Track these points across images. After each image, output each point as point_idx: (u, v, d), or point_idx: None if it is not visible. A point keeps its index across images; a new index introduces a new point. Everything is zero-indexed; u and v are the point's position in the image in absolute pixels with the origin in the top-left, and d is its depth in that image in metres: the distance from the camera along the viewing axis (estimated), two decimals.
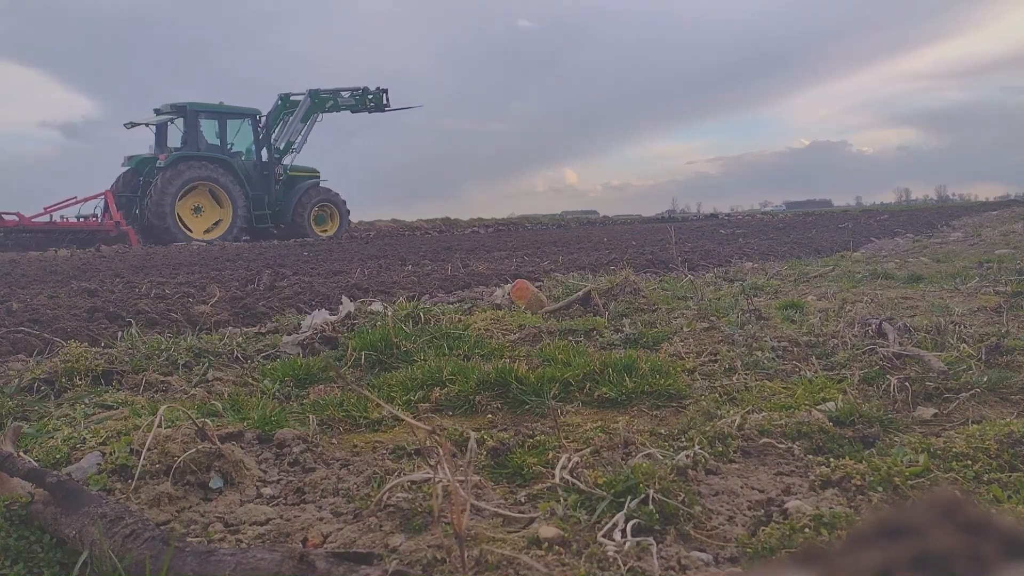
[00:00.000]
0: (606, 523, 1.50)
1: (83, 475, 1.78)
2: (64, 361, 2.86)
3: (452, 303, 4.98)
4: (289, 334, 3.68)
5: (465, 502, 1.55)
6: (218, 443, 1.86)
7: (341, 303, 4.08)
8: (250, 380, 2.92)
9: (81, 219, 16.84)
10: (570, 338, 3.51)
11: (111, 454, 1.86)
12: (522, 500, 1.70)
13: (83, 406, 2.44)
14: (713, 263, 8.22)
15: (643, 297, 4.51)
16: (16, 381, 2.74)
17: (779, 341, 3.17)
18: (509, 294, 4.69)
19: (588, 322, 3.80)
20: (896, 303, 4.37)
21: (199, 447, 1.82)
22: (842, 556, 0.40)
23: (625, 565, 1.35)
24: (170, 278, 8.02)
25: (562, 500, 1.61)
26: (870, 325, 3.23)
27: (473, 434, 2.04)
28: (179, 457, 1.78)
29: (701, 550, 1.46)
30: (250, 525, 1.62)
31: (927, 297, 4.63)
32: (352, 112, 20.29)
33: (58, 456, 1.93)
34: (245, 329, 4.15)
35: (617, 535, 1.45)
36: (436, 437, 1.47)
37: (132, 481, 1.74)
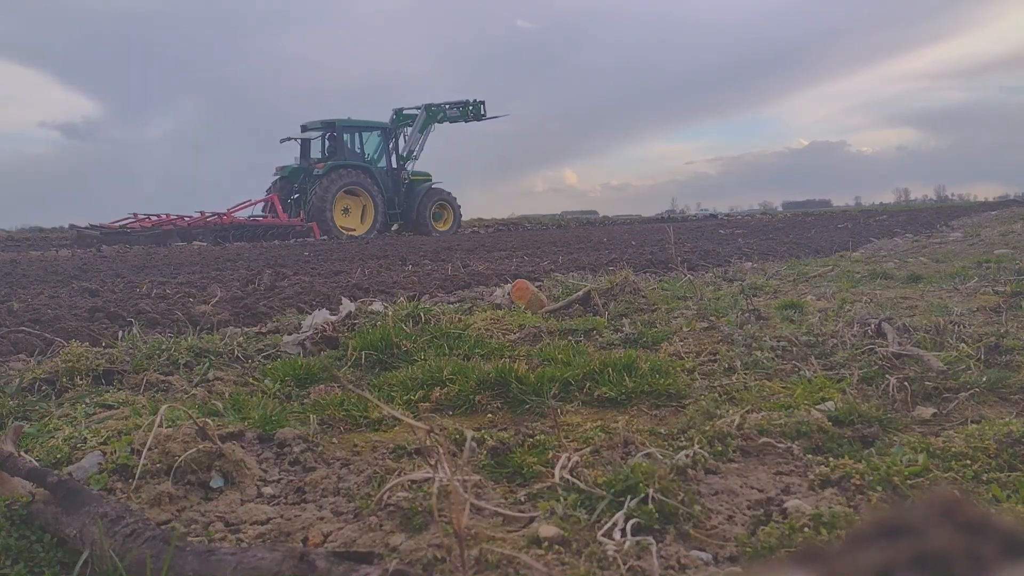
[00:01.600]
0: (606, 522, 1.50)
1: (84, 475, 1.78)
2: (65, 361, 2.86)
3: (452, 303, 4.99)
4: (290, 334, 3.68)
5: (465, 501, 1.55)
6: (219, 443, 1.86)
7: (341, 303, 4.08)
8: (251, 380, 2.93)
9: (255, 217, 19.64)
10: (570, 338, 3.52)
11: (112, 454, 1.86)
12: (522, 499, 1.71)
13: (84, 406, 2.44)
14: (712, 263, 8.22)
15: (643, 297, 4.52)
16: (17, 381, 2.75)
17: (778, 341, 3.17)
18: (509, 294, 4.69)
19: (588, 322, 3.81)
20: (895, 303, 4.38)
21: (200, 446, 1.82)
22: (841, 556, 0.40)
23: (625, 564, 1.35)
24: (171, 278, 8.03)
25: (562, 499, 1.61)
26: (869, 325, 3.23)
27: (472, 433, 2.05)
28: (180, 457, 1.78)
29: (701, 549, 1.46)
30: (251, 524, 1.62)
31: (926, 297, 4.63)
32: (451, 123, 23.22)
33: (59, 456, 1.93)
34: (246, 329, 4.15)
35: (617, 534, 1.45)
36: (435, 436, 1.47)
37: (133, 480, 1.74)
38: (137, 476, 1.75)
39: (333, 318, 3.75)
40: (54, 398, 2.64)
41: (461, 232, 22.86)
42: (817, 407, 2.26)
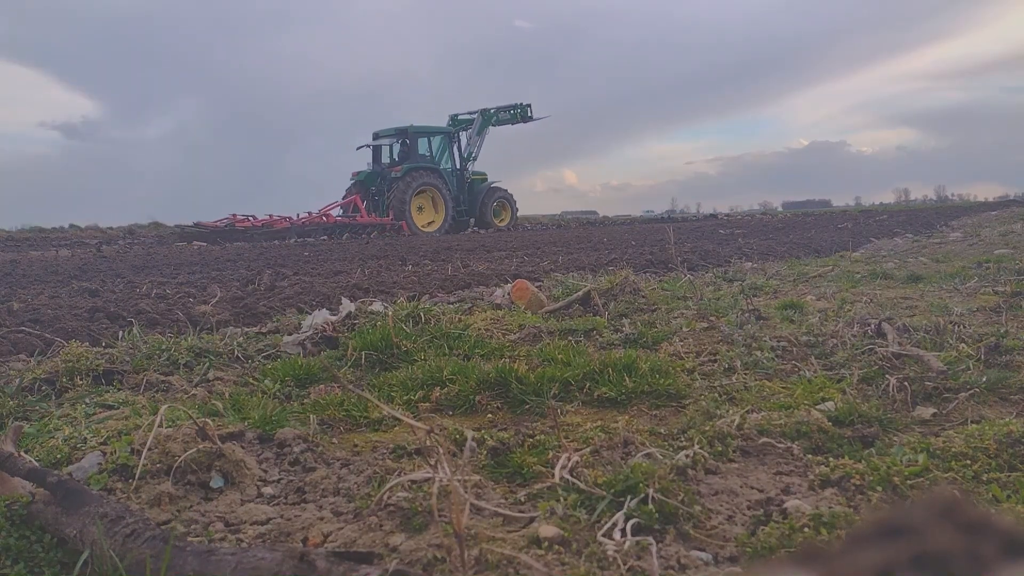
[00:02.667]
0: (606, 522, 1.50)
1: (84, 475, 1.78)
2: (65, 361, 2.86)
3: (452, 303, 4.98)
4: (290, 334, 3.68)
5: (465, 501, 1.55)
6: (219, 443, 1.86)
7: (341, 303, 4.08)
8: (251, 380, 2.93)
9: (345, 217, 21.19)
10: (570, 338, 3.52)
11: (112, 454, 1.86)
12: (522, 499, 1.71)
13: (84, 406, 2.44)
14: (712, 263, 8.22)
15: (643, 297, 4.52)
16: (17, 381, 2.75)
17: (778, 341, 3.17)
18: (509, 294, 4.69)
19: (588, 322, 3.81)
20: (895, 303, 4.38)
21: (200, 447, 1.82)
22: (841, 556, 0.40)
23: (625, 564, 1.35)
24: (171, 278, 8.03)
25: (562, 499, 1.61)
26: (869, 325, 3.23)
27: (472, 433, 2.05)
28: (180, 457, 1.78)
29: (701, 549, 1.46)
30: (251, 524, 1.62)
31: (926, 297, 4.63)
32: (503, 125, 25.34)
33: (59, 456, 1.93)
34: (246, 329, 4.15)
35: (617, 534, 1.45)
36: (435, 436, 1.47)
37: (133, 481, 1.74)
38: (137, 476, 1.75)
39: (333, 318, 3.75)
40: (54, 398, 2.64)
41: (460, 232, 23.07)
42: (817, 407, 2.26)
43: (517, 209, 25.53)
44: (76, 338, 3.57)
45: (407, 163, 21.66)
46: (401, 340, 3.28)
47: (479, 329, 3.65)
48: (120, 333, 3.81)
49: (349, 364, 3.13)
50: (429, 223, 21.87)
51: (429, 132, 23.29)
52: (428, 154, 22.85)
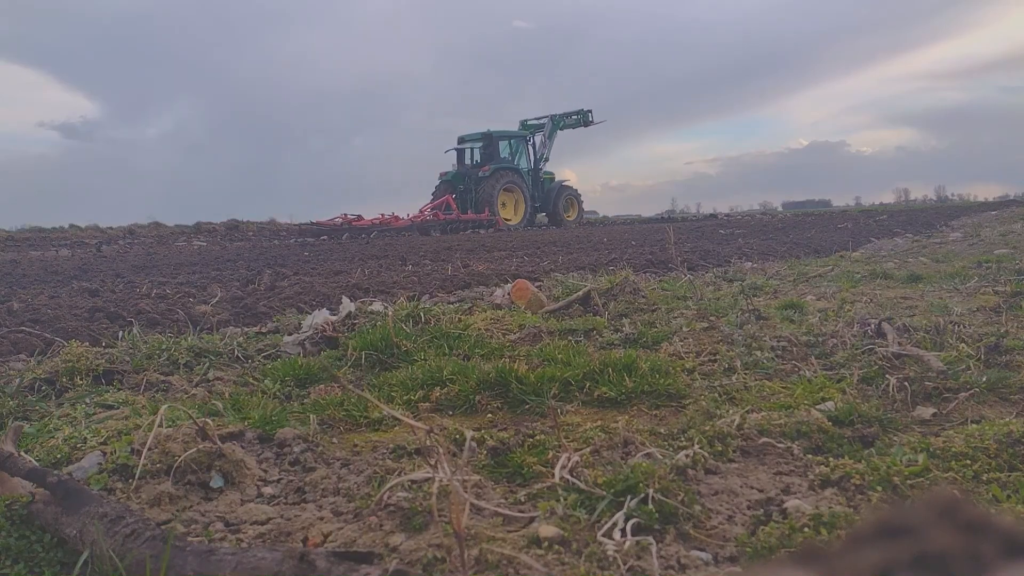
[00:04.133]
0: (606, 522, 1.50)
1: (84, 475, 1.78)
2: (65, 361, 2.86)
3: (452, 303, 4.98)
4: (290, 334, 3.68)
5: (465, 501, 1.55)
6: (219, 443, 1.86)
7: (341, 303, 4.08)
8: (251, 380, 2.93)
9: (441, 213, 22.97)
10: (570, 338, 3.51)
11: (112, 454, 1.86)
12: (522, 499, 1.71)
13: (84, 406, 2.44)
14: (712, 263, 8.22)
15: (643, 297, 4.51)
16: (17, 381, 2.75)
17: (778, 341, 3.17)
18: (509, 294, 4.69)
19: (588, 322, 3.81)
20: (895, 303, 4.38)
21: (200, 447, 1.82)
22: (841, 556, 0.40)
23: (625, 564, 1.35)
24: (171, 278, 8.03)
25: (562, 499, 1.61)
26: (869, 325, 3.23)
27: (471, 433, 2.05)
28: (180, 457, 1.78)
29: (701, 549, 1.46)
30: (251, 524, 1.62)
31: (926, 297, 4.63)
32: (564, 129, 27.61)
33: (59, 456, 1.93)
34: (246, 329, 4.15)
35: (617, 534, 1.45)
36: (435, 436, 1.47)
37: (133, 481, 1.74)
38: (137, 476, 1.75)
39: (333, 318, 3.75)
40: (54, 398, 2.64)
41: (460, 232, 23.29)
42: (817, 407, 2.26)
43: (583, 205, 28.10)
44: (76, 338, 3.57)
45: (492, 164, 24.09)
46: (401, 340, 3.28)
47: (479, 329, 3.65)
48: (120, 333, 3.81)
49: (349, 364, 3.13)
50: (509, 219, 24.36)
51: (508, 136, 25.83)
52: (508, 156, 25.34)
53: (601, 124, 28.45)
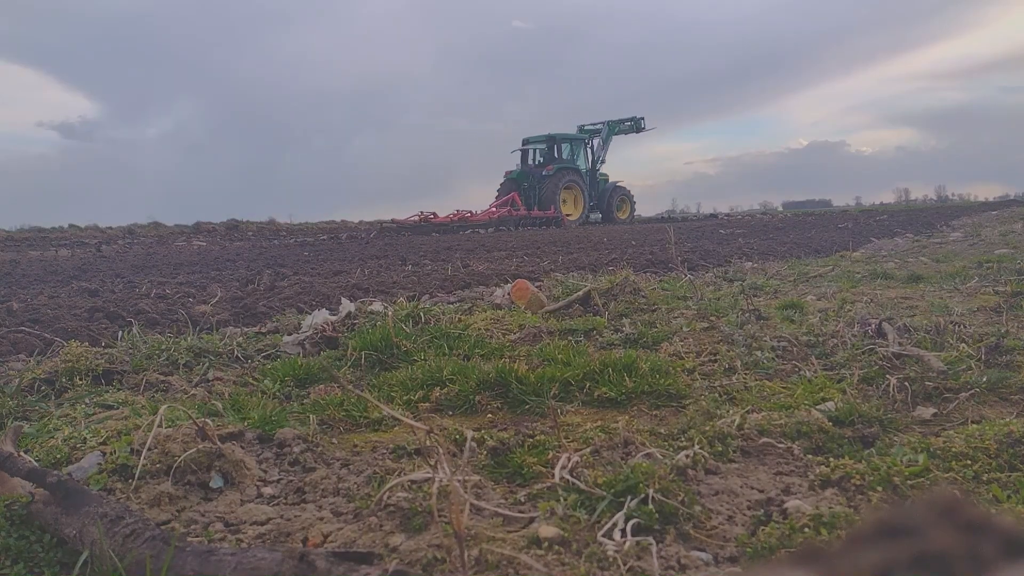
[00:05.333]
0: (606, 523, 1.50)
1: (84, 475, 1.78)
2: (65, 361, 2.86)
3: (452, 303, 4.98)
4: (289, 334, 3.68)
5: (465, 502, 1.55)
6: (218, 443, 1.86)
7: (341, 303, 4.08)
8: (250, 380, 2.92)
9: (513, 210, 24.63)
10: (570, 338, 3.51)
11: (112, 454, 1.86)
12: (522, 500, 1.71)
13: (84, 406, 2.44)
14: (713, 263, 8.22)
15: (643, 297, 4.51)
16: (17, 381, 2.75)
17: (779, 341, 3.17)
18: (509, 294, 4.69)
19: (588, 322, 3.80)
20: (896, 303, 4.37)
21: (199, 447, 1.82)
22: (842, 556, 0.40)
23: (625, 565, 1.35)
24: (170, 278, 8.03)
25: (562, 500, 1.61)
26: (869, 325, 3.23)
27: (471, 434, 2.05)
28: (179, 457, 1.78)
29: (701, 550, 1.46)
30: (250, 525, 1.62)
31: (927, 297, 4.63)
32: (618, 134, 29.62)
33: (59, 456, 1.93)
34: (245, 329, 4.15)
35: (617, 535, 1.45)
36: (435, 437, 1.47)
37: (132, 481, 1.74)
38: (137, 476, 1.74)
39: (333, 318, 3.75)
40: (54, 398, 2.64)
41: (460, 232, 23.37)
42: (817, 407, 2.26)
43: (635, 204, 30.13)
44: (76, 338, 3.57)
45: (555, 164, 26.05)
46: (401, 340, 3.28)
47: (479, 329, 3.65)
48: (120, 333, 3.81)
49: (349, 364, 3.13)
50: (569, 215, 26.11)
51: (569, 139, 27.88)
52: (568, 157, 27.18)
53: (652, 131, 30.56)
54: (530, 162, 27.27)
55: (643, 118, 29.78)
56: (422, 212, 22.65)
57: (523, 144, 28.11)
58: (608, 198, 28.42)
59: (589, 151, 28.69)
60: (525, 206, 24.81)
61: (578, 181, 26.65)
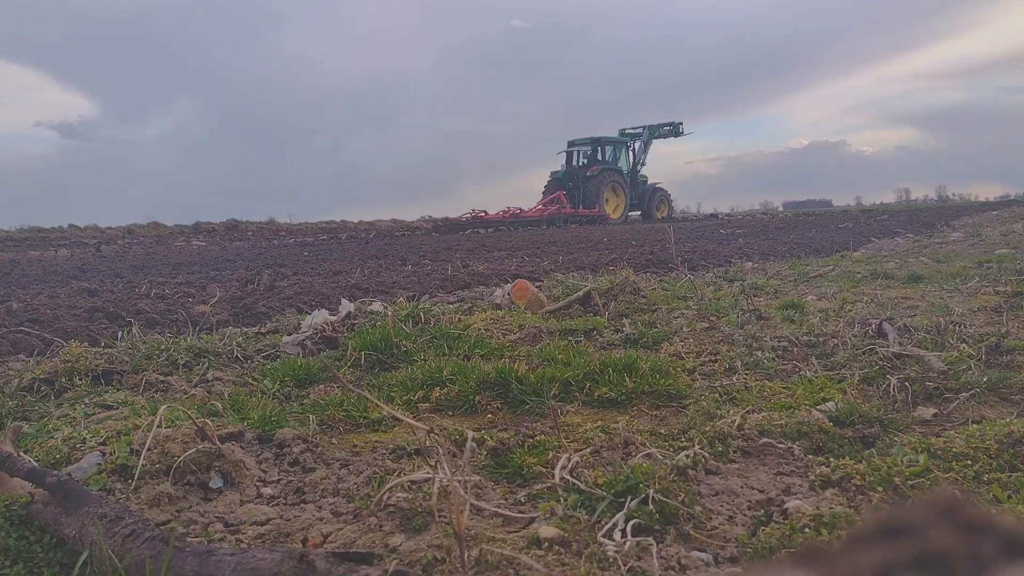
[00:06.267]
0: (606, 523, 1.50)
1: (83, 475, 1.78)
2: (64, 361, 2.86)
3: (452, 303, 4.98)
4: (289, 334, 3.68)
5: (465, 502, 1.55)
6: (218, 443, 1.86)
7: (340, 303, 4.08)
8: (250, 380, 2.92)
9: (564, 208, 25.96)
10: (570, 338, 3.51)
11: (111, 454, 1.86)
12: (522, 500, 1.70)
13: (83, 406, 2.44)
14: (713, 263, 8.21)
15: (643, 297, 4.51)
16: (16, 381, 2.74)
17: (779, 341, 3.17)
18: (509, 294, 4.69)
19: (588, 322, 3.80)
20: (896, 303, 4.37)
21: (199, 447, 1.82)
22: (842, 556, 0.40)
23: (625, 565, 1.35)
24: (170, 278, 8.03)
25: (562, 500, 1.61)
26: (870, 325, 3.23)
27: (472, 434, 2.05)
28: (179, 457, 1.78)
29: (701, 550, 1.46)
30: (250, 525, 1.62)
31: (927, 297, 4.63)
32: (658, 138, 31.14)
33: (58, 456, 1.93)
34: (245, 329, 4.15)
35: (617, 535, 1.45)
36: (435, 437, 1.47)
37: (132, 481, 1.74)
38: (136, 476, 1.74)
39: (333, 318, 3.75)
40: (53, 398, 2.64)
41: (460, 232, 23.40)
42: (818, 407, 2.26)
43: (673, 204, 32.00)
44: (75, 338, 3.57)
45: (599, 166, 27.72)
46: (401, 340, 3.28)
47: (479, 329, 3.65)
48: (119, 333, 3.81)
49: (349, 364, 3.13)
50: (611, 214, 27.56)
51: (612, 141, 29.52)
52: (610, 159, 28.74)
53: (690, 135, 32.14)
54: (574, 163, 28.82)
55: (681, 123, 31.22)
56: (473, 210, 24.04)
57: (568, 146, 29.53)
58: (648, 198, 30.11)
59: (631, 153, 30.27)
60: (570, 204, 26.19)
61: (620, 182, 28.33)
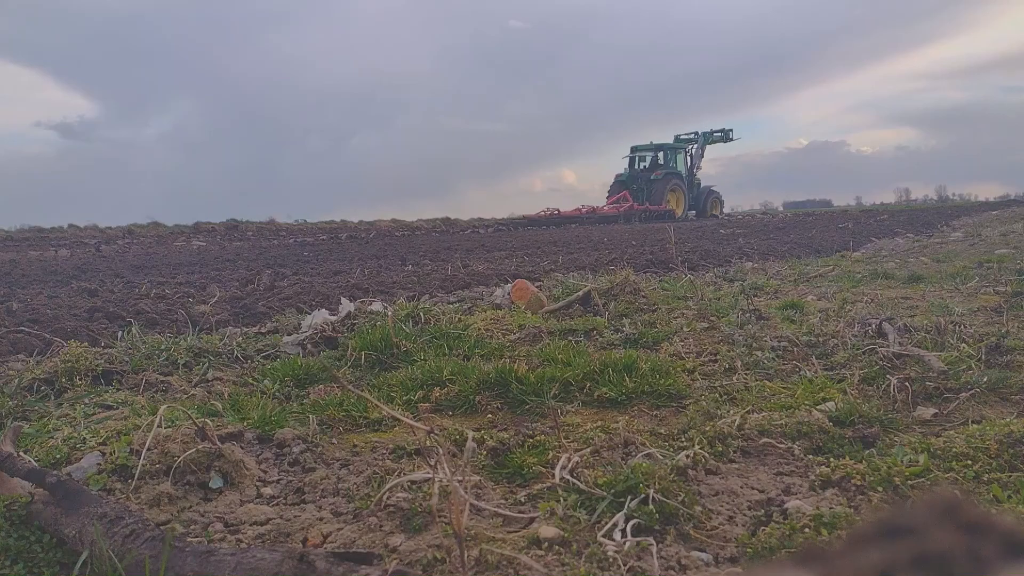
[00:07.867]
0: (606, 523, 1.50)
1: (83, 475, 1.78)
2: (64, 361, 2.86)
3: (452, 303, 4.98)
4: (289, 334, 3.68)
5: (465, 502, 1.55)
6: (218, 443, 1.86)
7: (340, 303, 4.08)
8: (250, 380, 2.92)
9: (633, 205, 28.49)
10: (570, 338, 3.51)
11: (111, 454, 1.86)
12: (522, 500, 1.70)
13: (83, 406, 2.44)
14: (713, 263, 8.22)
15: (643, 297, 4.51)
16: (16, 381, 2.74)
17: (779, 341, 3.17)
18: (509, 294, 4.69)
19: (588, 322, 3.80)
20: (896, 303, 4.37)
21: (199, 447, 1.82)
22: (842, 556, 0.40)
23: (625, 565, 1.35)
24: (170, 278, 8.03)
25: (562, 500, 1.61)
26: (870, 325, 3.23)
27: (472, 434, 2.05)
28: (179, 457, 1.78)
29: (701, 550, 1.46)
30: (250, 525, 1.62)
31: (927, 297, 4.63)
32: (711, 143, 33.81)
33: (58, 456, 1.93)
34: (245, 329, 4.15)
35: (617, 535, 1.45)
36: (435, 437, 1.47)
37: (132, 481, 1.74)
38: (136, 476, 1.74)
39: (333, 318, 3.75)
40: (53, 398, 2.64)
41: (460, 232, 23.32)
42: (818, 407, 2.26)
43: (724, 204, 34.69)
44: (75, 338, 3.57)
45: (662, 169, 30.74)
46: (401, 340, 3.28)
47: (479, 329, 3.64)
48: (119, 333, 3.81)
49: (349, 364, 3.13)
50: (674, 211, 29.89)
51: (671, 147, 32.40)
52: (670, 163, 31.42)
53: (738, 140, 35.13)
54: (636, 167, 31.81)
55: (731, 129, 34.18)
56: (547, 207, 26.62)
57: (631, 151, 32.75)
58: (704, 198, 33.12)
59: (688, 158, 33.07)
60: (637, 204, 28.79)
61: (680, 184, 31.15)
